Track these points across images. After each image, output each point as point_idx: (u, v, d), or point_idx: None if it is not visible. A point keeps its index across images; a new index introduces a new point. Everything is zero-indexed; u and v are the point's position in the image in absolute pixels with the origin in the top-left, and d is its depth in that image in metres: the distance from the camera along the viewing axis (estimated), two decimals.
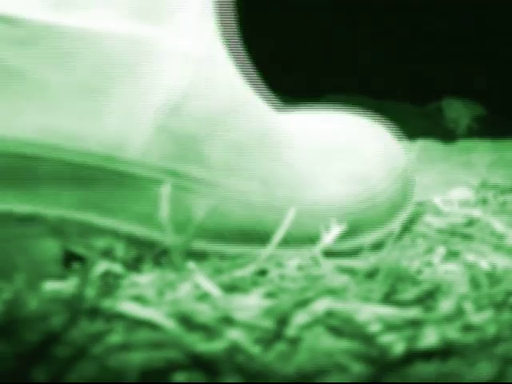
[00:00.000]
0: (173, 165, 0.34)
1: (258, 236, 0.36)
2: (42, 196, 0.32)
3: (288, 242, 0.37)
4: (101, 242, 0.33)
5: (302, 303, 0.28)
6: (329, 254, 0.37)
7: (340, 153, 0.40)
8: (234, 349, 0.24)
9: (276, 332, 0.26)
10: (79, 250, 0.33)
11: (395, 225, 0.42)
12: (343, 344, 0.25)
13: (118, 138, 0.33)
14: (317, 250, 0.37)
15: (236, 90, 0.36)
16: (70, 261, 0.33)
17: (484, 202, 0.55)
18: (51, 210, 0.32)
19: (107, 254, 0.33)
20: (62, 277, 0.31)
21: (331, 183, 0.39)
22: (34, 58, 0.31)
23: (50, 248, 0.32)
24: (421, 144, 0.80)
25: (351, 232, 0.39)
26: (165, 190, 0.34)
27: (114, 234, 0.33)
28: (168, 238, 0.33)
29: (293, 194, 0.37)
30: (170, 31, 0.33)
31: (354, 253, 0.39)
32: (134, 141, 0.33)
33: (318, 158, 0.39)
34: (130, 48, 0.32)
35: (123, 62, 0.32)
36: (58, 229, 0.32)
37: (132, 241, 0.34)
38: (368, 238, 0.40)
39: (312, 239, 0.38)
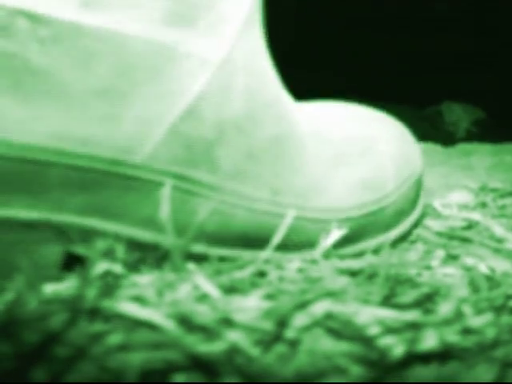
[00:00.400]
0: (181, 169, 0.34)
1: (260, 242, 0.36)
2: (47, 201, 0.31)
3: (290, 247, 0.37)
4: (101, 243, 0.33)
5: (302, 305, 0.28)
6: (330, 258, 0.37)
7: (354, 158, 0.39)
8: (234, 350, 0.24)
9: (275, 334, 0.26)
10: (80, 250, 0.33)
11: (399, 232, 0.42)
12: (342, 346, 0.25)
13: (130, 142, 0.32)
14: (317, 252, 0.37)
15: (253, 95, 0.35)
16: (71, 263, 0.33)
17: (483, 205, 0.55)
18: (55, 215, 0.32)
19: (107, 254, 0.33)
20: (60, 278, 0.31)
21: (342, 191, 0.38)
22: (58, 57, 0.30)
23: (52, 253, 0.32)
24: (421, 147, 0.80)
25: (354, 238, 0.39)
26: (166, 191, 0.34)
27: (118, 238, 0.33)
28: (168, 238, 0.33)
29: (300, 203, 0.37)
30: (192, 35, 0.33)
31: (355, 257, 0.39)
32: (144, 144, 0.32)
33: (330, 164, 0.38)
34: (152, 51, 0.32)
35: (145, 64, 0.32)
36: (61, 234, 0.32)
37: (136, 245, 0.34)
38: (371, 244, 0.40)
39: (315, 246, 0.37)
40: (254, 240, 0.36)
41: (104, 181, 0.32)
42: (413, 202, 0.43)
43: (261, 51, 0.36)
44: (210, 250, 0.35)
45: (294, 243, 0.37)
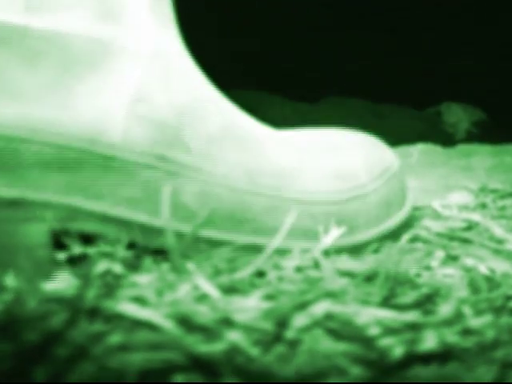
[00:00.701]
0: (157, 149, 0.35)
1: (247, 222, 0.37)
2: (29, 179, 0.33)
3: (265, 231, 0.38)
4: (101, 243, 0.33)
5: (302, 306, 0.28)
6: (326, 251, 0.38)
7: (322, 155, 0.41)
8: (234, 350, 0.24)
9: (275, 334, 0.26)
10: (80, 250, 0.33)
11: (391, 224, 0.42)
12: (342, 347, 0.25)
13: (96, 128, 0.34)
14: (316, 251, 0.37)
15: (191, 84, 0.37)
16: (71, 263, 0.33)
17: (483, 206, 0.55)
18: (38, 194, 0.33)
19: (107, 254, 0.33)
20: (59, 277, 0.31)
21: (317, 177, 0.40)
22: (6, 57, 0.33)
23: (38, 232, 0.33)
24: (421, 148, 0.80)
25: (346, 229, 0.40)
26: (166, 191, 0.34)
27: (102, 218, 0.34)
28: (169, 239, 0.34)
29: (277, 184, 0.38)
30: (124, 30, 0.35)
31: (351, 250, 0.39)
32: (112, 129, 0.34)
33: (299, 158, 0.40)
34: (91, 47, 0.34)
35: (85, 60, 0.34)
36: (45, 213, 0.33)
37: (120, 224, 0.34)
38: (366, 236, 0.41)
39: (305, 232, 0.38)
40: (242, 220, 0.37)
41: (83, 160, 0.34)
42: (399, 196, 0.44)
43: (182, 49, 0.39)
44: (202, 232, 0.36)
45: (271, 225, 0.37)
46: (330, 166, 0.40)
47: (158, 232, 0.35)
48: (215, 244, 0.36)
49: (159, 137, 0.35)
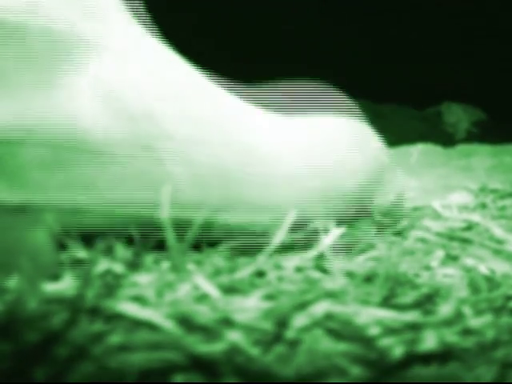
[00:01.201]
0: (140, 141, 0.35)
1: (241, 203, 0.37)
2: (31, 183, 0.33)
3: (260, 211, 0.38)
4: (101, 243, 0.33)
5: (301, 306, 0.28)
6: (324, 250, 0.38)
7: (312, 147, 0.41)
8: (234, 350, 0.24)
9: (275, 334, 0.26)
10: (80, 250, 0.33)
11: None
12: (342, 347, 0.25)
13: (81, 125, 0.34)
14: (317, 250, 0.37)
15: (173, 74, 0.38)
16: (71, 263, 0.33)
17: (483, 206, 0.55)
18: (41, 198, 0.33)
19: (108, 253, 0.33)
20: (59, 264, 0.31)
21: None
22: (3, 54, 0.33)
23: (43, 236, 0.33)
24: (421, 148, 0.80)
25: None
26: (165, 190, 0.34)
27: (105, 217, 0.34)
28: (169, 238, 0.34)
29: (268, 166, 0.38)
30: (85, 22, 0.36)
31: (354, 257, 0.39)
32: (95, 126, 0.35)
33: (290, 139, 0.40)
34: (76, 44, 0.35)
35: (70, 57, 0.35)
36: (49, 216, 0.33)
37: (122, 221, 0.35)
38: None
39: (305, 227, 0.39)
40: (236, 202, 0.37)
41: (77, 158, 0.34)
42: (377, 176, 0.44)
43: (153, 41, 0.39)
44: (195, 216, 0.36)
45: (265, 205, 0.38)
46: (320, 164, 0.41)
47: (158, 226, 0.35)
48: (212, 225, 0.36)
49: (136, 129, 0.35)
